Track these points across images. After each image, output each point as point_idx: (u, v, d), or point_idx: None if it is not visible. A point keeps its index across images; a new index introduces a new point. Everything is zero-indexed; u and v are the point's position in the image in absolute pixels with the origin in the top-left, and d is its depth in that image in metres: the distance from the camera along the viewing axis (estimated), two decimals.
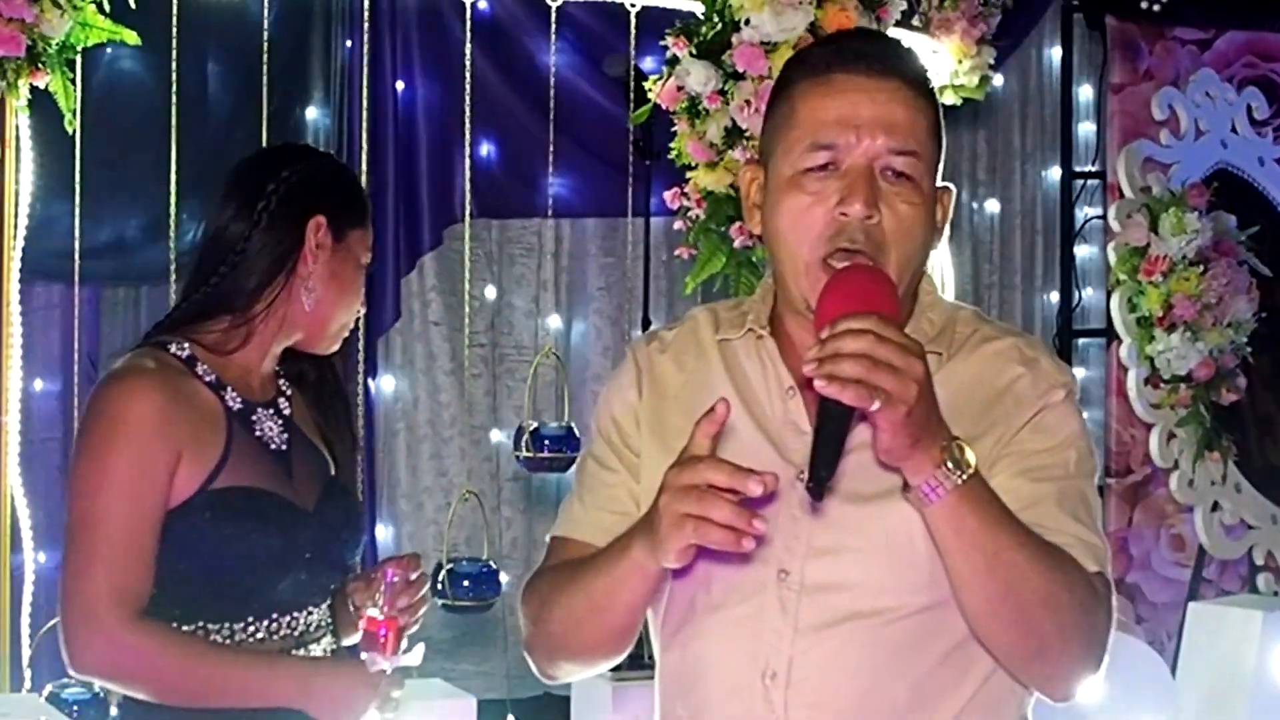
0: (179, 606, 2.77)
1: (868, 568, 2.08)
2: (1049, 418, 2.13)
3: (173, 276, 4.68)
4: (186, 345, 2.85)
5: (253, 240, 2.89)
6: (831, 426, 1.91)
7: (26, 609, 4.38)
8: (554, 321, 6.98)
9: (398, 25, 6.52)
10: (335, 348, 3.00)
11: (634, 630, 2.21)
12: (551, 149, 5.26)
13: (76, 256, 4.66)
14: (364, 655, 2.77)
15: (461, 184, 5.81)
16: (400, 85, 6.63)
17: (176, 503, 2.75)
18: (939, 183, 2.20)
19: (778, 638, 2.09)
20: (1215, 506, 6.42)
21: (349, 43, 6.33)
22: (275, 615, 2.82)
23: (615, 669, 4.40)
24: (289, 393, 2.98)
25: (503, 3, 5.72)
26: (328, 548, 2.87)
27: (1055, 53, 7.27)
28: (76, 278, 4.73)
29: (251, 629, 2.80)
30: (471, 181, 5.24)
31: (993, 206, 7.55)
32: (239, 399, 2.86)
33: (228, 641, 2.79)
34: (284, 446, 2.89)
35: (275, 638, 2.82)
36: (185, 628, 2.77)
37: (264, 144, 4.89)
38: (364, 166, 4.89)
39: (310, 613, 2.87)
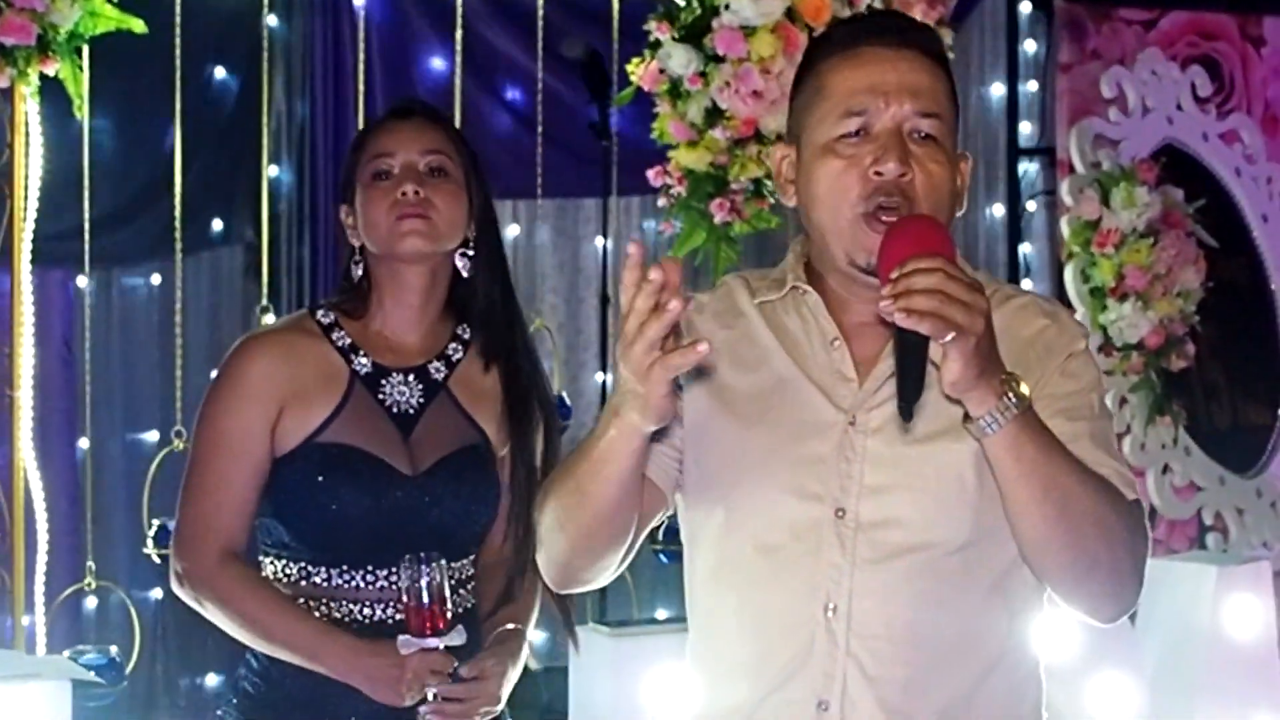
0: (286, 545, 2.97)
1: (919, 504, 2.21)
2: (1074, 364, 2.28)
3: (179, 256, 4.84)
4: (332, 313, 3.05)
5: None
6: (911, 356, 2.04)
7: (41, 578, 4.54)
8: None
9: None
10: (404, 248, 2.97)
11: (623, 517, 2.25)
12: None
13: (86, 239, 4.81)
14: (400, 638, 2.84)
15: None
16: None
17: (284, 450, 2.94)
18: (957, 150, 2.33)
19: (837, 573, 2.21)
20: (1166, 469, 6.59)
21: None
22: (370, 568, 2.93)
23: (615, 623, 4.61)
24: (455, 358, 3.08)
25: None
26: (425, 513, 2.96)
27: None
28: (87, 261, 4.87)
29: (347, 576, 2.94)
30: None
31: None
32: (370, 363, 3.00)
33: (326, 584, 2.94)
34: (410, 410, 3.01)
35: (372, 588, 2.94)
36: (291, 565, 2.96)
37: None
38: None
39: None
